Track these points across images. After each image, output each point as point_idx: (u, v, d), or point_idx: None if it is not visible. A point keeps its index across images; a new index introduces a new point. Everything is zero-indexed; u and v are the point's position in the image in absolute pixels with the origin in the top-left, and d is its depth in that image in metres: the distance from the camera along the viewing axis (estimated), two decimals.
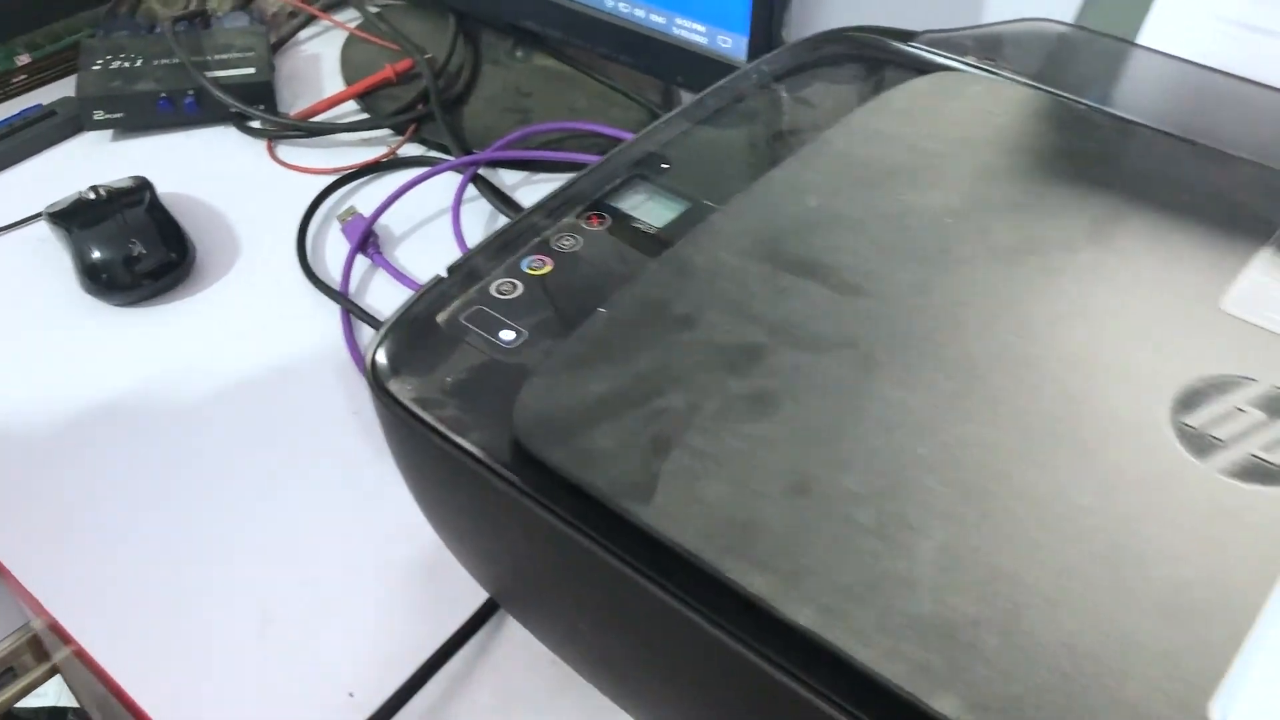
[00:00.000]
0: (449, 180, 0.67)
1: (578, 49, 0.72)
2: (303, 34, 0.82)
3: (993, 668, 0.27)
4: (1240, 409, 0.33)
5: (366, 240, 0.63)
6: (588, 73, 0.73)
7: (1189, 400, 0.33)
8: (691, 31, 0.59)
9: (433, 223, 0.65)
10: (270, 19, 0.80)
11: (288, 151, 0.71)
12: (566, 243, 0.41)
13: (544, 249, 0.40)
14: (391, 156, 0.70)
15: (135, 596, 0.47)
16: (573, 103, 0.71)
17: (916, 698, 0.27)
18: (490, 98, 0.73)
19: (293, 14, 0.82)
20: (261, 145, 0.72)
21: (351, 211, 0.65)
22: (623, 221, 0.41)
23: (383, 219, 0.65)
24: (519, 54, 0.75)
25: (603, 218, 0.42)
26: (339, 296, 0.60)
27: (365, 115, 0.73)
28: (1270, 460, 0.31)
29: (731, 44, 0.58)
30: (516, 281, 0.39)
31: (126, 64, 0.71)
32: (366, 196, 0.67)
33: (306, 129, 0.71)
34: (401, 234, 0.65)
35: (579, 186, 0.43)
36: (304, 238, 0.64)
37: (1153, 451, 0.32)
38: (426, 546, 0.49)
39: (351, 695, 0.44)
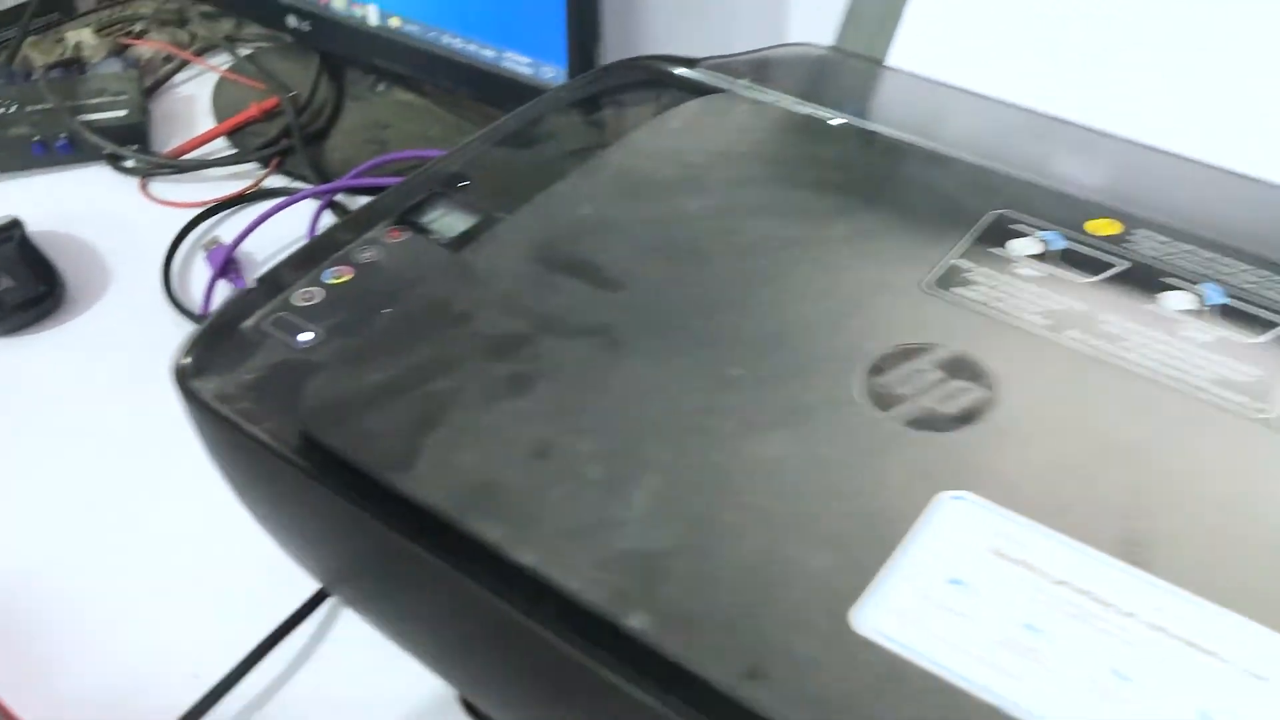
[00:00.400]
0: (310, 208, 0.71)
1: (430, 84, 0.77)
2: (177, 77, 0.86)
3: (680, 590, 0.32)
4: (922, 370, 0.38)
5: (228, 266, 0.67)
6: (442, 106, 0.78)
7: (882, 364, 0.39)
8: (518, 64, 0.65)
9: (292, 248, 0.69)
10: (144, 64, 0.85)
11: (160, 188, 0.76)
12: (367, 254, 0.45)
13: (345, 260, 0.45)
14: (256, 188, 0.74)
15: None
16: (428, 133, 0.76)
17: (614, 617, 0.32)
18: (350, 130, 0.78)
19: (167, 59, 0.86)
20: (135, 183, 0.76)
21: (215, 241, 0.69)
22: (420, 233, 0.46)
23: (247, 246, 0.70)
24: (380, 89, 0.80)
25: (402, 230, 0.46)
26: (199, 319, 0.64)
27: (233, 151, 0.77)
28: (940, 410, 0.37)
29: (554, 74, 0.63)
30: (318, 290, 0.44)
31: (2, 110, 0.75)
32: (232, 227, 0.72)
33: (176, 166, 0.76)
34: (263, 259, 0.69)
35: (383, 203, 0.48)
36: (169, 267, 0.68)
37: (844, 407, 0.37)
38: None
39: (196, 676, 0.48)
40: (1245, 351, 0.39)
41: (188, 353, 0.41)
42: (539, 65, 0.64)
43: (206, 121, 0.81)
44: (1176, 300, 0.41)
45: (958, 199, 0.46)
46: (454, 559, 0.34)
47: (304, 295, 0.44)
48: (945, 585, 0.32)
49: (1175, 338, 0.39)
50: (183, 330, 0.65)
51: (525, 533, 0.34)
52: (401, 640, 0.43)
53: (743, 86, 0.53)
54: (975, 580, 0.32)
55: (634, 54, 0.56)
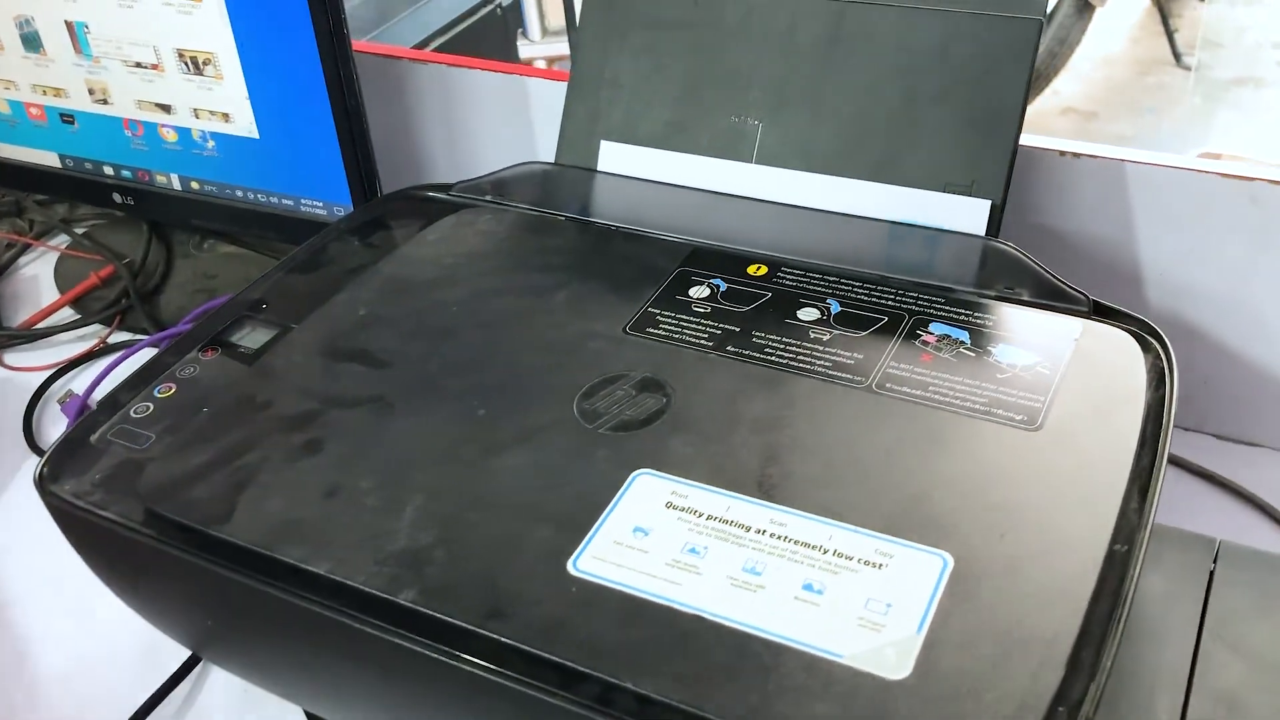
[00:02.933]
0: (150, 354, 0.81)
1: (253, 237, 0.89)
2: (20, 260, 0.96)
3: (438, 570, 0.43)
4: (620, 390, 0.51)
5: (83, 413, 0.76)
6: (260, 251, 0.89)
7: (590, 392, 0.51)
8: (314, 208, 0.77)
9: None
10: None
11: (14, 357, 0.85)
12: (187, 371, 0.56)
13: (170, 378, 0.56)
14: (102, 345, 0.84)
15: None
16: (250, 277, 0.87)
17: (388, 595, 0.42)
18: (182, 284, 0.88)
19: (8, 246, 0.96)
20: None
21: (69, 394, 0.79)
22: (230, 349, 0.57)
23: (97, 394, 0.79)
24: (205, 245, 0.91)
25: (215, 349, 0.57)
26: None
27: (78, 316, 0.87)
28: (632, 417, 0.49)
29: (345, 211, 0.76)
30: (149, 404, 0.54)
31: None
32: (83, 381, 0.81)
33: (27, 336, 0.85)
34: None
35: (198, 331, 0.58)
36: (30, 422, 0.77)
37: (562, 425, 0.49)
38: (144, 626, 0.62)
39: None
40: (854, 343, 0.52)
41: (45, 464, 0.51)
42: (331, 205, 0.76)
43: (51, 295, 0.90)
44: (807, 314, 0.54)
45: (654, 263, 0.59)
46: (270, 581, 0.45)
47: (139, 409, 0.54)
48: (631, 533, 0.44)
49: (805, 341, 0.52)
50: None
51: (320, 550, 0.45)
52: (250, 669, 0.53)
53: (486, 201, 0.66)
54: (652, 525, 0.44)
55: (408, 185, 0.69)
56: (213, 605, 0.49)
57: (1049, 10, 2.56)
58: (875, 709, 0.37)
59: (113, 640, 0.62)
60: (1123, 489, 0.44)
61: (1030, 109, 0.56)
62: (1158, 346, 0.50)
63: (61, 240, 0.96)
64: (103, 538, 0.49)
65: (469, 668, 0.40)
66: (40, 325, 0.87)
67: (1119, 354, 0.50)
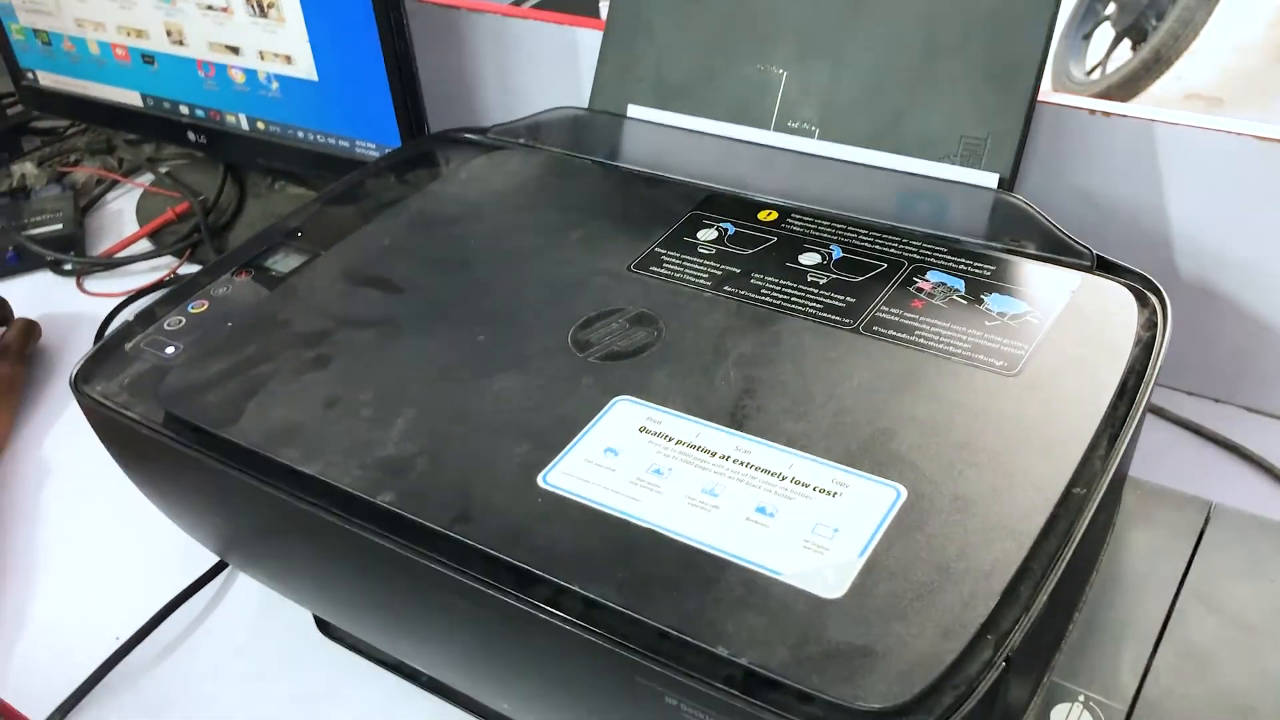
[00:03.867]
0: None
1: (320, 175, 0.93)
2: (108, 196, 1.01)
3: (417, 477, 0.46)
4: (613, 324, 0.52)
5: None
6: None
7: (586, 323, 0.52)
8: (367, 149, 0.80)
9: None
10: (80, 187, 1.00)
11: (93, 284, 0.90)
12: (220, 291, 0.60)
13: (204, 295, 0.59)
14: (173, 275, 0.89)
15: None
16: None
17: (368, 496, 0.45)
18: (251, 222, 0.93)
19: (99, 181, 1.02)
20: (72, 282, 0.90)
21: None
22: (263, 272, 0.61)
23: None
24: (275, 186, 0.96)
25: (249, 271, 0.61)
26: None
27: (153, 248, 0.92)
28: (621, 348, 0.51)
29: None
30: (182, 318, 0.58)
31: None
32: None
33: (104, 264, 0.91)
34: None
35: (234, 255, 0.62)
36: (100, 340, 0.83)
37: (555, 353, 0.51)
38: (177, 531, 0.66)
39: (118, 638, 0.61)
40: (849, 287, 0.53)
41: (80, 366, 0.55)
42: (383, 147, 0.79)
43: (133, 228, 0.96)
44: (809, 259, 0.55)
45: (669, 206, 0.60)
46: (267, 480, 0.48)
47: (171, 322, 0.58)
48: (602, 453, 0.45)
49: (802, 283, 0.53)
50: None
51: (314, 453, 0.47)
52: (258, 569, 0.56)
53: (520, 143, 0.68)
54: (624, 447, 0.46)
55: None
56: (222, 504, 0.52)
57: None
58: (805, 624, 0.38)
59: (150, 544, 0.66)
60: (1091, 436, 0.44)
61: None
62: (1155, 301, 0.50)
63: (146, 178, 1.01)
64: (127, 436, 0.53)
65: (434, 566, 0.43)
66: (118, 255, 0.92)
67: (1113, 307, 0.50)
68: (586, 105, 0.69)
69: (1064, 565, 0.39)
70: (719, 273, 0.55)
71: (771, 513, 0.42)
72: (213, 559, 0.64)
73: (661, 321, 0.52)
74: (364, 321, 0.55)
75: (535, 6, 1.54)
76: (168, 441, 0.51)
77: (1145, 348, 0.48)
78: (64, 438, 0.76)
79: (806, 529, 0.41)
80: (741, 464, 0.44)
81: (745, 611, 0.39)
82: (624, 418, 0.47)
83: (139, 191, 1.01)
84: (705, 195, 0.61)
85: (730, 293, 0.53)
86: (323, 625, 0.59)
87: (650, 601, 0.40)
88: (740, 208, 0.59)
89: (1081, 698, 0.45)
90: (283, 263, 0.61)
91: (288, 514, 0.48)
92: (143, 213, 0.97)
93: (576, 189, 0.64)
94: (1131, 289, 0.51)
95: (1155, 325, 0.49)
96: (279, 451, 0.48)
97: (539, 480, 0.45)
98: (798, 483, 0.43)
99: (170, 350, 0.56)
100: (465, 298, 0.55)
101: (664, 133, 0.65)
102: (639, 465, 0.45)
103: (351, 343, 0.53)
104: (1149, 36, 2.38)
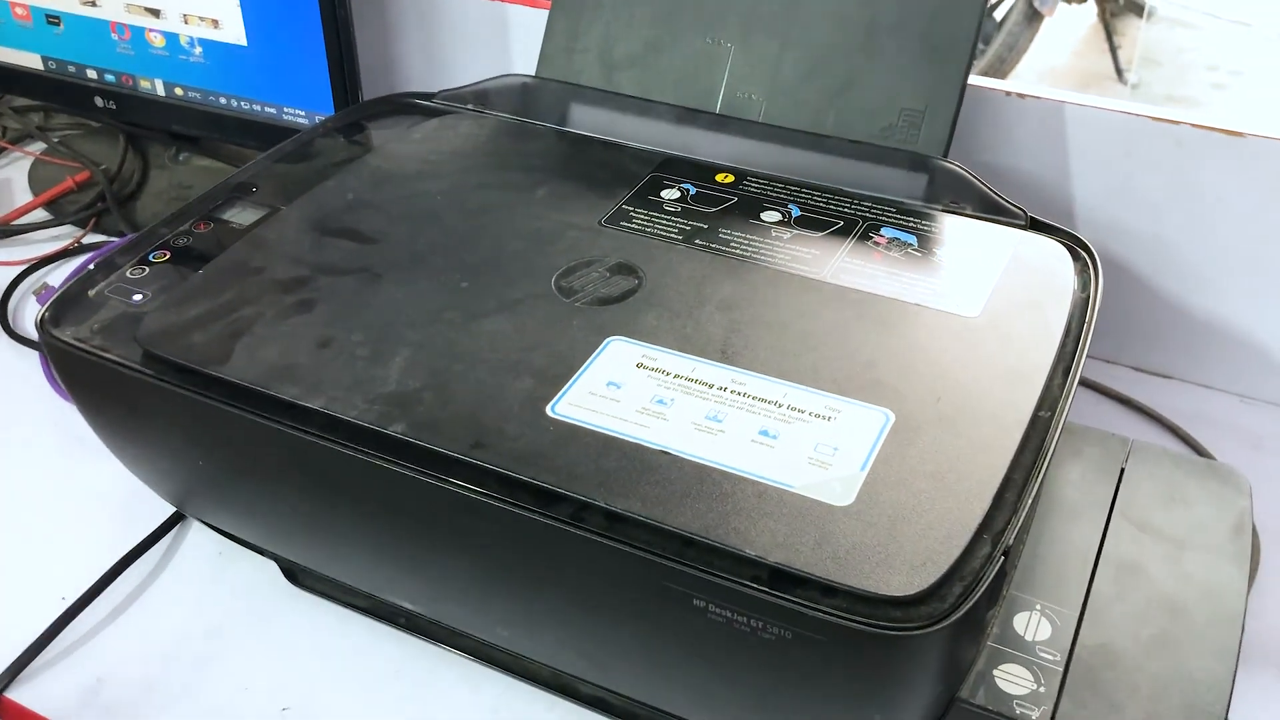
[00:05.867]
0: None
1: (225, 147, 0.91)
2: None
3: (425, 409, 0.47)
4: (595, 273, 0.54)
5: None
6: (236, 164, 0.92)
7: (568, 271, 0.55)
8: (296, 116, 0.80)
9: None
10: None
11: None
12: (181, 241, 0.59)
13: (164, 246, 0.59)
14: (77, 245, 0.86)
15: None
16: None
17: (379, 428, 0.46)
18: (157, 193, 0.91)
19: None
20: None
21: (44, 285, 0.81)
22: (222, 225, 0.60)
23: None
24: (180, 157, 0.93)
25: (208, 224, 0.60)
26: (37, 345, 0.76)
27: (50, 217, 0.89)
28: (606, 294, 0.53)
29: None
30: (145, 267, 0.57)
31: None
32: (60, 276, 0.83)
33: (1, 231, 0.87)
34: None
35: (190, 207, 0.61)
36: (4, 309, 0.79)
37: (541, 299, 0.53)
38: (120, 490, 0.65)
39: (64, 598, 0.59)
40: (812, 241, 0.57)
41: (47, 310, 0.54)
42: (313, 114, 0.79)
43: (24, 197, 0.92)
44: (770, 216, 0.59)
45: (628, 169, 0.63)
46: (266, 415, 0.48)
47: (134, 270, 0.57)
48: (605, 386, 0.48)
49: (767, 238, 0.57)
50: (24, 357, 0.76)
51: (315, 390, 0.48)
52: (235, 513, 0.56)
53: (469, 109, 0.70)
54: (625, 380, 0.48)
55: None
56: (207, 445, 0.52)
57: (999, 18, 2.66)
58: (821, 528, 0.41)
59: (89, 505, 0.65)
60: (1048, 367, 0.49)
61: None
62: (1086, 256, 0.55)
63: (36, 147, 0.97)
64: (103, 379, 0.52)
65: (455, 490, 0.44)
66: (14, 223, 0.88)
67: (1051, 260, 0.55)
68: (532, 74, 0.70)
69: (1042, 475, 0.44)
70: (688, 228, 0.58)
71: (774, 435, 0.45)
72: (158, 517, 0.63)
73: (641, 270, 0.55)
74: (342, 269, 0.55)
75: None
76: (152, 382, 0.50)
77: (1082, 294, 0.53)
78: None
79: (809, 448, 0.45)
80: (739, 394, 0.47)
81: (763, 519, 0.42)
82: (620, 355, 0.49)
83: (27, 161, 0.97)
84: (662, 159, 0.64)
85: (702, 245, 0.56)
86: (290, 575, 0.59)
87: (673, 512, 0.42)
88: (697, 170, 0.63)
89: (1038, 606, 0.49)
90: (241, 215, 0.61)
91: (290, 450, 0.48)
92: (36, 181, 0.94)
93: (534, 151, 0.66)
94: (1065, 246, 0.56)
95: (1088, 274, 0.54)
96: (278, 388, 0.48)
97: (548, 410, 0.46)
98: (794, 409, 0.46)
99: (138, 297, 0.55)
100: (441, 248, 0.57)
101: (614, 100, 0.68)
102: (642, 396, 0.47)
103: (334, 288, 0.54)
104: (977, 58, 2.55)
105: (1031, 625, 0.49)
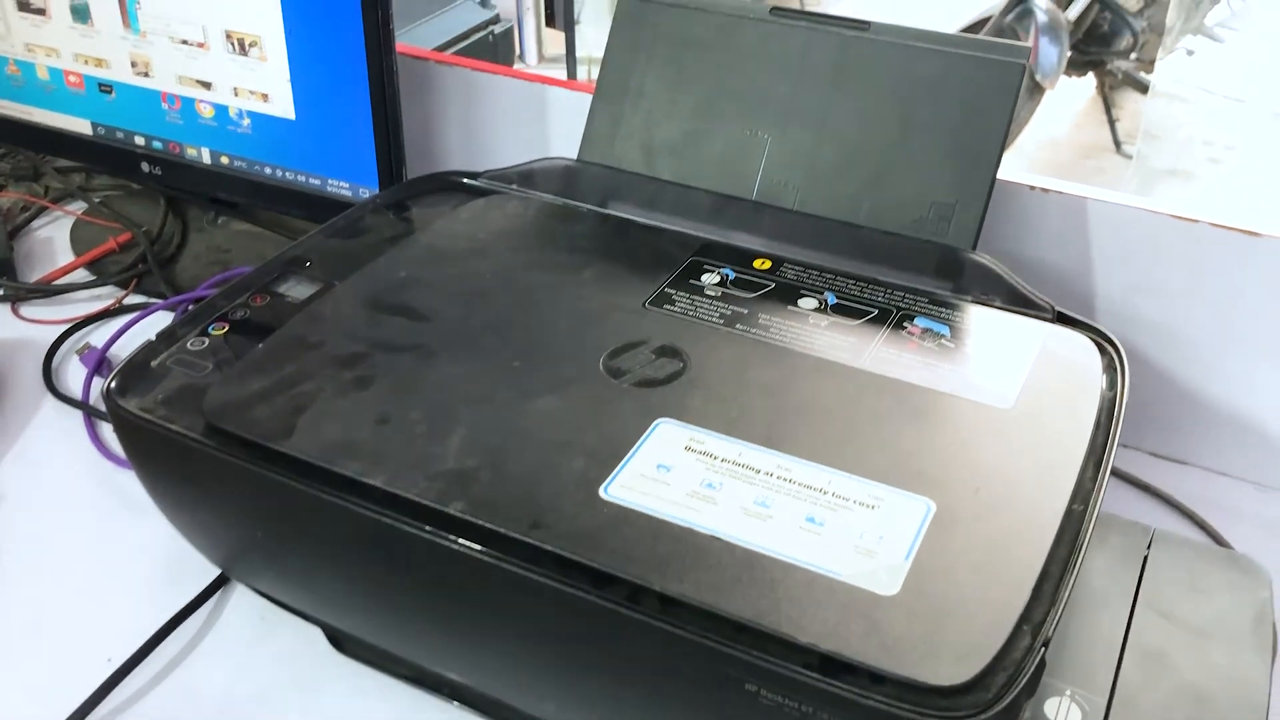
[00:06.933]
0: (167, 318, 0.85)
1: (264, 212, 0.94)
2: (35, 223, 0.99)
3: (483, 488, 0.49)
4: (641, 354, 0.57)
5: (101, 365, 0.81)
6: (274, 230, 0.94)
7: (615, 353, 0.57)
8: (339, 189, 0.82)
9: None
10: (6, 212, 0.98)
11: (31, 310, 0.88)
12: (239, 314, 0.61)
13: (223, 318, 0.61)
14: (118, 305, 0.88)
15: None
16: (264, 253, 0.92)
17: (440, 507, 0.48)
18: (196, 256, 0.93)
19: (24, 207, 1.00)
20: (6, 308, 0.88)
21: (86, 346, 0.83)
22: (278, 298, 0.62)
23: (116, 351, 0.83)
24: (219, 221, 0.96)
25: (264, 297, 0.62)
26: (81, 405, 0.77)
27: (94, 277, 0.91)
28: (654, 376, 0.55)
29: (370, 194, 0.81)
30: (205, 339, 0.59)
31: None
32: (99, 337, 0.85)
33: (45, 291, 0.89)
34: None
35: (246, 280, 0.63)
36: (49, 368, 0.81)
37: (590, 380, 0.55)
38: (164, 552, 0.66)
39: (110, 660, 0.60)
40: (848, 329, 0.59)
41: (113, 380, 0.55)
42: (357, 188, 0.81)
43: (65, 257, 0.94)
44: (807, 303, 0.61)
45: (668, 252, 0.65)
46: (328, 491, 0.50)
47: (195, 342, 0.59)
48: (655, 468, 0.50)
49: (805, 325, 0.59)
50: (65, 416, 0.78)
51: (376, 467, 0.50)
52: (287, 581, 0.58)
53: (514, 190, 0.72)
54: (675, 464, 0.50)
55: (428, 174, 0.75)
56: (266, 516, 0.54)
57: None
58: (869, 617, 0.43)
59: (133, 567, 0.66)
60: (1080, 460, 0.51)
61: None
62: (1112, 351, 0.58)
63: (77, 206, 1.00)
64: (165, 450, 0.54)
65: (513, 569, 0.46)
66: (57, 283, 0.91)
67: (1079, 354, 0.58)
68: (574, 157, 0.73)
69: (1078, 568, 0.46)
70: (729, 312, 0.60)
71: (821, 522, 0.47)
72: (202, 580, 0.64)
73: (685, 353, 0.57)
74: (398, 346, 0.57)
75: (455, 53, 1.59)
76: (216, 454, 0.52)
77: (1110, 389, 0.55)
78: (26, 461, 0.74)
79: (854, 536, 0.46)
80: (785, 479, 0.49)
81: (813, 606, 0.43)
82: (668, 437, 0.51)
83: (68, 220, 0.99)
84: (702, 243, 0.66)
85: (743, 329, 0.59)
86: (335, 642, 0.61)
87: (725, 598, 0.44)
88: (736, 256, 0.65)
89: (1068, 692, 0.51)
90: (296, 290, 0.63)
91: (349, 524, 0.50)
92: (78, 241, 0.96)
93: (578, 233, 0.68)
94: (1091, 340, 0.59)
95: (1115, 369, 0.56)
96: (340, 464, 0.50)
97: (600, 492, 0.48)
98: (838, 496, 0.48)
99: (201, 369, 0.57)
100: (492, 327, 0.59)
101: (654, 185, 0.70)
102: (692, 480, 0.49)
103: (390, 365, 0.56)
104: None
105: (1062, 711, 0.50)
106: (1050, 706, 0.50)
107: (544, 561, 0.46)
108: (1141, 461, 0.75)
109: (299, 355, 0.57)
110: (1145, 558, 0.58)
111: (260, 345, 0.58)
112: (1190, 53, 3.07)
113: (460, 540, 0.47)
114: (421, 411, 0.53)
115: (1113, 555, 0.58)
